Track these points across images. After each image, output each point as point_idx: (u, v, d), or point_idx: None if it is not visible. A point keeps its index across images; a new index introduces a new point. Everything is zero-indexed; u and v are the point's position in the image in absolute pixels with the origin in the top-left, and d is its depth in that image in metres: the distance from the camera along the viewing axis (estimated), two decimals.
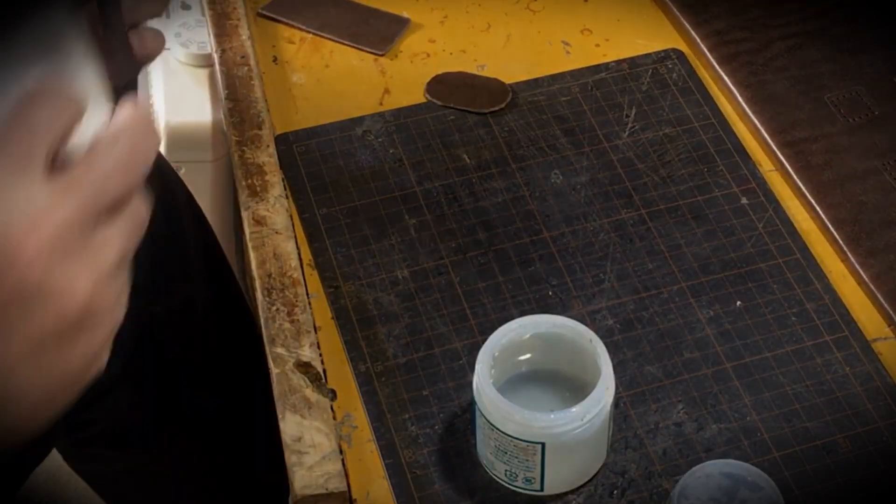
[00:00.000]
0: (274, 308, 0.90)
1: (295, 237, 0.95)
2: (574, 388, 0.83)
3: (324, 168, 1.01)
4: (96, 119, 0.63)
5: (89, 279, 0.57)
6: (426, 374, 0.88)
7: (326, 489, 0.80)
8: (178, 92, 1.29)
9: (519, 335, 0.82)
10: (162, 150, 1.27)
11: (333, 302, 0.92)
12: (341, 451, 0.83)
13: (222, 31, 1.09)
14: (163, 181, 1.13)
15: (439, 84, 1.07)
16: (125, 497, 1.35)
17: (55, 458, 1.24)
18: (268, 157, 1.00)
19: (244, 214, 0.96)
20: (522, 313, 0.90)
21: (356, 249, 0.95)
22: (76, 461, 1.31)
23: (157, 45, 0.75)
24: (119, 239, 0.60)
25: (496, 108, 1.05)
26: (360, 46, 1.11)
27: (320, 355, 0.88)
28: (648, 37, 1.11)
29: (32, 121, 0.57)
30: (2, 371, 0.56)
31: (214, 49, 1.09)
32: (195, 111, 1.29)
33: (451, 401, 0.86)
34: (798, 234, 0.96)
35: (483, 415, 0.79)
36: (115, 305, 0.60)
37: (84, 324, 0.58)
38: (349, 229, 0.97)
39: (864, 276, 0.92)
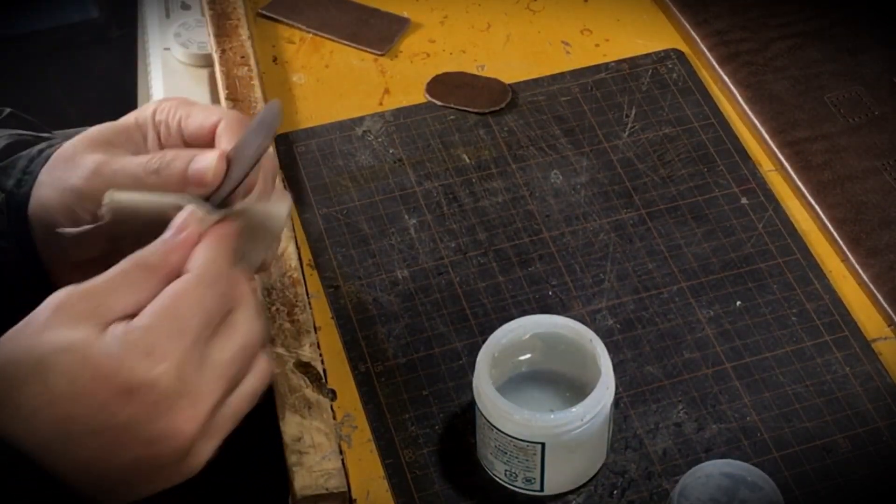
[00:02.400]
0: (274, 308, 0.90)
1: (295, 237, 0.95)
2: (574, 388, 0.83)
3: (323, 168, 1.01)
4: None
5: (195, 422, 0.64)
6: (426, 374, 0.88)
7: (326, 489, 0.80)
8: (177, 92, 1.29)
9: (519, 335, 0.82)
10: None
11: (333, 302, 0.92)
12: (341, 451, 0.83)
13: (222, 31, 1.09)
14: None
15: (439, 84, 1.07)
16: None
17: None
18: None
19: None
20: (522, 313, 0.90)
21: (356, 249, 0.95)
22: None
23: None
24: (230, 371, 0.65)
25: (496, 108, 1.05)
26: (360, 46, 1.11)
27: (320, 355, 0.88)
28: (648, 37, 1.11)
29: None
30: (103, 483, 0.63)
31: (214, 49, 1.09)
32: None
33: (451, 401, 0.86)
34: (798, 234, 0.96)
35: (483, 415, 0.79)
36: (216, 437, 0.66)
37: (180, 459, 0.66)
38: (349, 229, 0.97)
39: (864, 276, 0.92)
